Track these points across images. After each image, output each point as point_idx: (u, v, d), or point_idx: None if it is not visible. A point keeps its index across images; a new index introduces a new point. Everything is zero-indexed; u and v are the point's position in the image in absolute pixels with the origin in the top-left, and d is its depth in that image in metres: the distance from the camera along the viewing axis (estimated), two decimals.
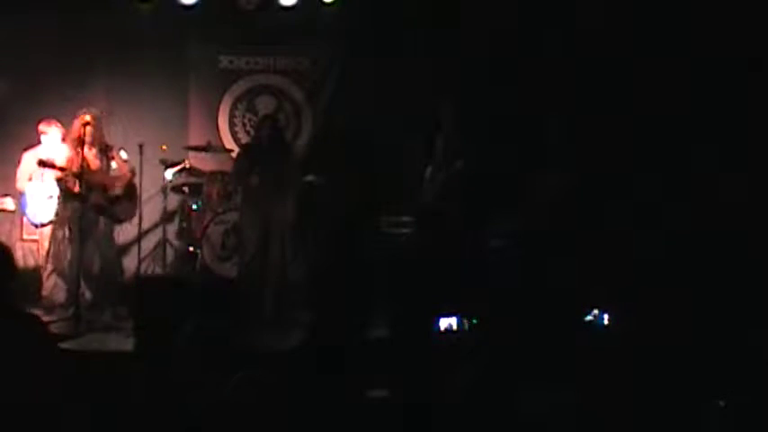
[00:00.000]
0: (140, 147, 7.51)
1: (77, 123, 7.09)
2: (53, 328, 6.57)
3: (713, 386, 4.61)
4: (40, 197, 7.47)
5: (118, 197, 7.34)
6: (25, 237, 8.07)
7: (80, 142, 7.00)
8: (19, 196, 7.57)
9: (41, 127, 7.50)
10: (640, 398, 4.42)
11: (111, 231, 7.52)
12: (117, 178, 7.37)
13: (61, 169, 7.10)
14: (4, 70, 8.02)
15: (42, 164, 7.12)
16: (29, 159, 7.49)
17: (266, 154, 7.42)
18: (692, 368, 4.87)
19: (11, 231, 8.06)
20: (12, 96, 8.06)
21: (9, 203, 7.61)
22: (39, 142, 7.54)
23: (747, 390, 4.56)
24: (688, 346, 5.20)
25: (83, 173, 6.99)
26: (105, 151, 7.35)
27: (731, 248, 6.61)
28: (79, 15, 8.16)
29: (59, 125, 7.51)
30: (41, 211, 7.47)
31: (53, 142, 7.49)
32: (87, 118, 7.07)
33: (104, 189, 7.25)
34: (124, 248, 8.09)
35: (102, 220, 7.36)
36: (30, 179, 7.49)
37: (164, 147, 8.01)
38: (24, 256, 8.02)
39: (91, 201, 7.14)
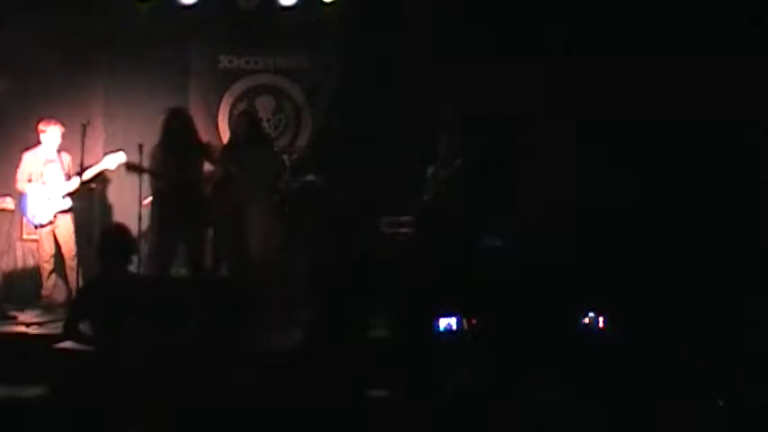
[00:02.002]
0: (140, 147, 7.48)
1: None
2: (52, 328, 6.59)
3: (712, 386, 4.61)
4: (40, 198, 7.46)
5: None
6: (25, 237, 8.07)
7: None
8: (18, 197, 7.57)
9: (41, 126, 7.50)
10: (638, 399, 4.43)
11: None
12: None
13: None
14: (3, 70, 8.02)
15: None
16: (28, 160, 7.49)
17: (243, 150, 7.39)
18: (691, 369, 4.88)
19: (11, 231, 8.06)
20: (12, 96, 8.06)
21: (9, 203, 7.61)
22: (38, 142, 7.54)
23: (746, 389, 4.56)
24: (685, 347, 5.20)
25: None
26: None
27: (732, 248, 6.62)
28: (79, 15, 8.16)
29: (59, 124, 7.52)
30: (41, 211, 7.46)
31: (53, 142, 7.50)
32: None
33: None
34: None
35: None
36: (29, 180, 7.49)
37: None
38: (24, 256, 8.03)
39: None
